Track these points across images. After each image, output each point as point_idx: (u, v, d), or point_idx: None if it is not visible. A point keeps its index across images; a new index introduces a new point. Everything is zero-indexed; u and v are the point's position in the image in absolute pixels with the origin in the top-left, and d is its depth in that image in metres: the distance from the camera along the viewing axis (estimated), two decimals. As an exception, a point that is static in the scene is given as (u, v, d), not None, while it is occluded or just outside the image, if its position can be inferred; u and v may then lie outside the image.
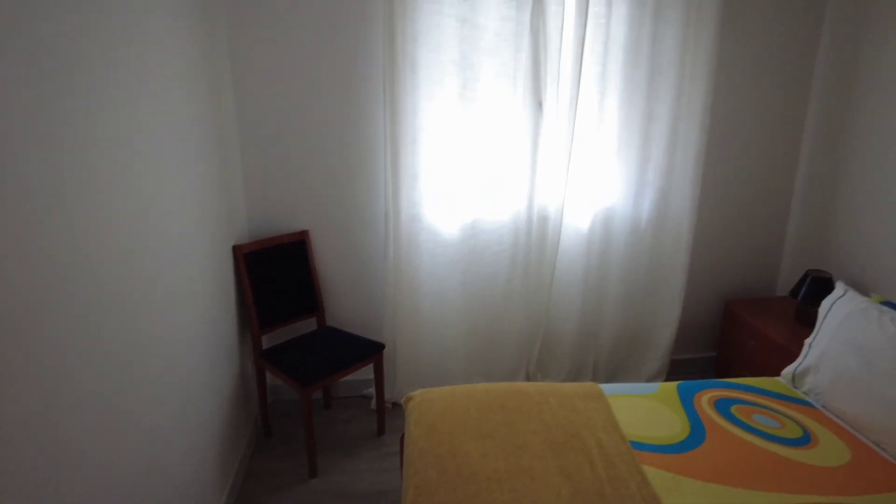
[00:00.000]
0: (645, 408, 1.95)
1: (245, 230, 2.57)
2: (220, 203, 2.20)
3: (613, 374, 2.98)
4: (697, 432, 1.82)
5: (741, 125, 2.80)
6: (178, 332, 1.73)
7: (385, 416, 2.64)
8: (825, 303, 2.09)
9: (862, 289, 2.45)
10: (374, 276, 2.76)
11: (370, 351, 2.45)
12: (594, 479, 1.60)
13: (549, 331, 2.87)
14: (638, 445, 1.75)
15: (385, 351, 2.54)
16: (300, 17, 2.40)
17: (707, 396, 2.01)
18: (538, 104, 2.51)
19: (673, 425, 1.85)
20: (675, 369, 3.02)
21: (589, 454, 1.70)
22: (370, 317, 2.82)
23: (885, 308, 1.90)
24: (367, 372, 2.75)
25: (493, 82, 2.48)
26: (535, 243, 2.70)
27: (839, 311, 1.99)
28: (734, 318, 2.80)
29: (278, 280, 2.54)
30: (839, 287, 2.08)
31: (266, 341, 2.51)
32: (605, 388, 2.07)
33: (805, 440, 1.78)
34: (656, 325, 2.91)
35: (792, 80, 2.77)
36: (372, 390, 2.80)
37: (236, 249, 2.38)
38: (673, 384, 2.09)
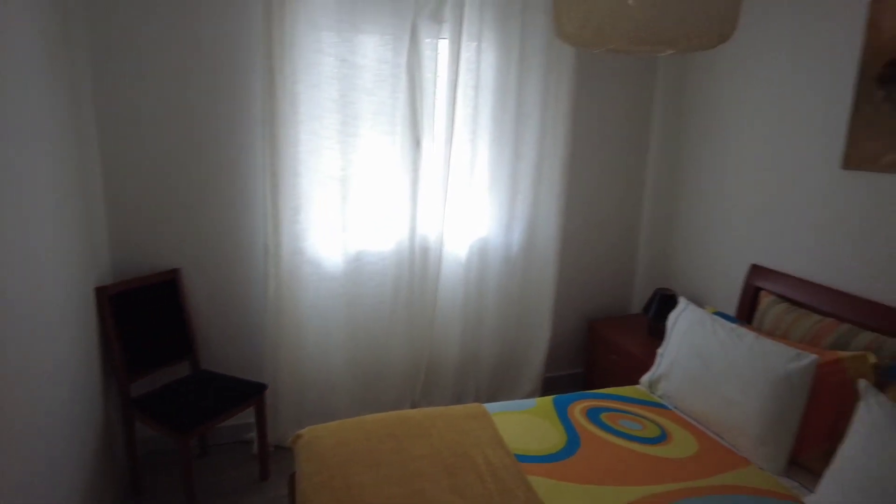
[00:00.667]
0: (526, 422, 2.08)
1: (109, 271, 2.39)
2: (78, 242, 2.03)
3: (494, 396, 3.12)
4: (573, 440, 1.98)
5: (596, 166, 3.15)
6: (27, 385, 1.55)
7: (269, 459, 2.54)
8: (671, 316, 2.39)
9: (699, 302, 2.84)
10: (252, 315, 2.68)
11: (251, 392, 2.36)
12: (485, 494, 1.68)
13: (432, 358, 2.96)
14: (522, 458, 1.87)
15: (267, 391, 2.46)
16: (172, 46, 2.34)
17: (580, 407, 2.20)
18: (416, 142, 2.64)
19: (551, 436, 2.00)
20: (548, 386, 3.23)
21: (478, 471, 1.78)
22: (249, 357, 2.72)
23: (717, 317, 2.23)
24: (246, 416, 2.64)
25: (373, 120, 2.58)
26: (417, 273, 2.79)
27: (682, 323, 2.30)
28: (597, 335, 3.09)
29: (147, 323, 2.38)
30: (682, 302, 2.40)
31: (136, 389, 2.33)
32: (489, 407, 2.19)
33: (662, 438, 2.01)
34: (530, 347, 3.11)
35: (635, 131, 3.18)
36: (253, 434, 2.68)
37: (99, 292, 2.20)
38: (549, 398, 2.26)
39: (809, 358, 1.84)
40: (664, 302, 2.81)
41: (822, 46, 2.28)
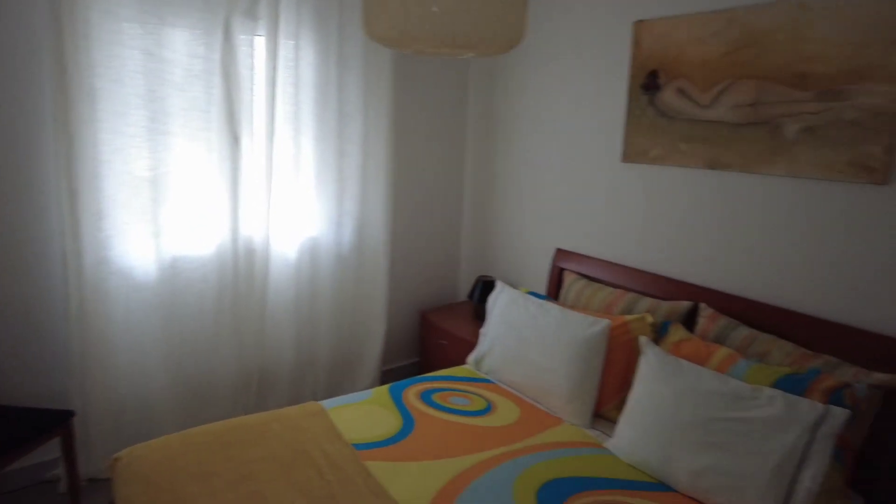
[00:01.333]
0: (363, 412, 2.14)
1: None
2: None
3: (332, 394, 3.12)
4: (408, 423, 2.08)
5: (420, 163, 3.31)
6: None
7: (81, 494, 2.28)
8: (490, 299, 2.61)
9: (514, 285, 3.13)
10: (52, 336, 2.38)
11: (52, 423, 2.09)
12: (324, 486, 1.71)
13: (265, 364, 2.88)
14: (360, 446, 1.92)
15: (75, 419, 2.21)
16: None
17: (413, 391, 2.31)
18: (235, 139, 2.55)
19: (388, 422, 2.08)
20: (387, 378, 3.32)
21: (317, 465, 1.80)
22: (51, 384, 2.41)
23: (529, 296, 2.48)
24: (49, 450, 2.34)
25: (185, 116, 2.44)
26: (242, 277, 2.70)
27: (500, 304, 2.52)
28: (429, 324, 3.24)
29: None
30: (498, 285, 2.63)
31: None
32: (325, 403, 2.20)
33: (488, 409, 2.20)
34: (366, 342, 3.18)
35: (453, 129, 3.41)
36: (59, 471, 2.39)
37: None
38: (385, 387, 2.34)
39: (603, 323, 2.15)
40: (485, 287, 3.05)
41: (602, 56, 2.66)
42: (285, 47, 2.63)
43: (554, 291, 2.86)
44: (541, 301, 2.40)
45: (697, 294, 2.32)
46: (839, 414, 1.58)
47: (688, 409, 1.75)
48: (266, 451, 1.86)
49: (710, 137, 2.24)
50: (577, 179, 2.83)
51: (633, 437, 1.86)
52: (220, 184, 2.56)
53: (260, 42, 2.56)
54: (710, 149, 2.25)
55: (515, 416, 2.17)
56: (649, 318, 2.17)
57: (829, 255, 1.99)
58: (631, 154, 2.56)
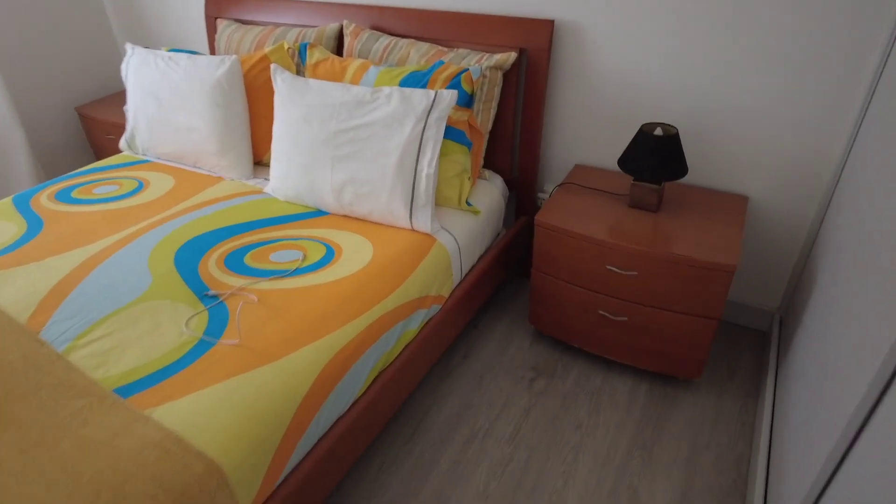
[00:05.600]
0: (-29, 230, 1.75)
1: None
2: None
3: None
4: (34, 227, 1.76)
5: None
6: None
7: None
8: (123, 68, 2.17)
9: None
10: None
11: None
12: None
13: None
14: (-37, 265, 1.59)
15: None
16: None
17: (46, 194, 1.94)
18: None
19: (5, 232, 1.74)
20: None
21: None
22: None
23: (160, 53, 2.08)
24: None
25: None
26: None
27: (132, 69, 2.10)
28: (91, 121, 2.72)
29: None
30: (129, 49, 2.17)
31: None
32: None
33: (139, 189, 1.94)
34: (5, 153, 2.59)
35: None
36: None
37: None
38: (7, 199, 1.93)
39: (229, 60, 1.89)
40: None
41: None
42: None
43: (213, 46, 2.49)
44: (171, 54, 2.03)
45: (344, 13, 2.13)
46: (446, 95, 1.60)
47: (317, 127, 1.67)
48: None
49: None
50: None
51: (282, 173, 1.77)
52: None
53: None
54: None
55: (169, 186, 1.95)
56: (285, 45, 1.96)
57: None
58: None
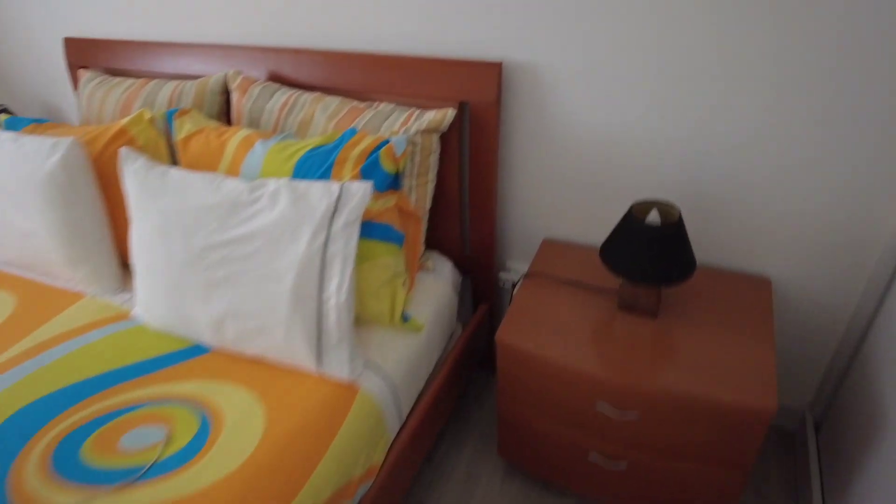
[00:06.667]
0: None
1: None
2: None
3: None
4: None
5: None
6: None
7: None
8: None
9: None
10: None
11: None
12: None
13: None
14: None
15: None
16: None
17: None
18: None
19: None
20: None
21: None
22: None
23: (-7, 127, 1.58)
24: None
25: None
26: None
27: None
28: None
29: None
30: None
31: None
32: None
33: (-45, 322, 1.43)
34: None
35: None
36: None
37: None
38: None
39: (65, 144, 1.38)
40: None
41: None
42: None
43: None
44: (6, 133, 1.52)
45: (234, 58, 1.64)
46: (356, 191, 1.13)
47: (178, 243, 1.19)
48: None
49: None
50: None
51: (146, 297, 1.29)
52: None
53: None
54: None
55: (8, 311, 1.45)
56: (147, 115, 1.46)
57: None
58: None
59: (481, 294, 1.67)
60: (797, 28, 1.10)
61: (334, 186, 1.14)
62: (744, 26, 1.13)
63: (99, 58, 1.88)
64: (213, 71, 1.68)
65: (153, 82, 1.67)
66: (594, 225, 1.51)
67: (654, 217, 1.20)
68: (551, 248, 1.54)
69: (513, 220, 1.61)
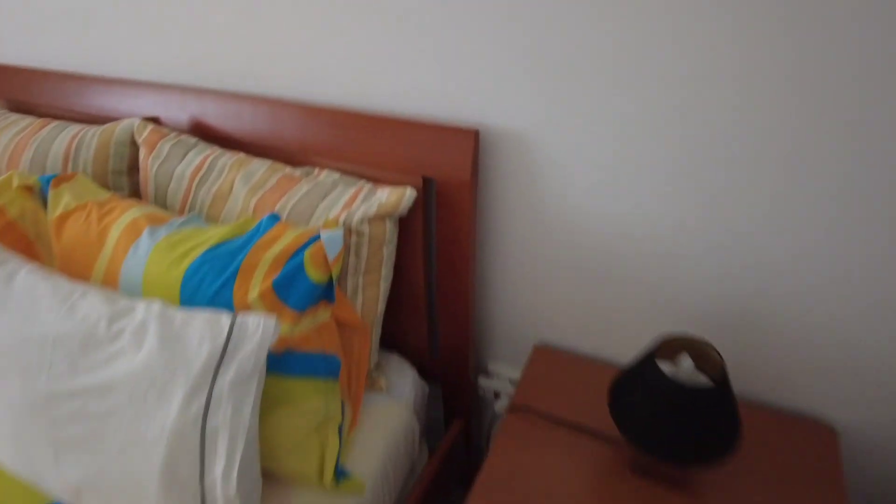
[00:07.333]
0: None
1: None
2: None
3: None
4: None
5: None
6: None
7: None
8: None
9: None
10: None
11: None
12: None
13: None
14: None
15: None
16: None
17: None
18: None
19: None
20: None
21: None
22: None
23: None
24: None
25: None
26: None
27: None
28: None
29: None
30: None
31: None
32: None
33: None
34: None
35: None
36: None
37: None
38: None
39: None
40: None
41: None
42: None
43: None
44: None
45: (150, 98, 1.30)
46: (254, 330, 0.78)
47: (17, 379, 0.85)
48: None
49: None
50: None
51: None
52: None
53: None
54: None
55: None
56: (15, 181, 1.11)
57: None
58: None
59: (454, 408, 1.32)
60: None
61: (224, 321, 0.80)
62: (819, 102, 0.77)
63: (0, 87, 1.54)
64: (131, 111, 1.34)
65: (53, 125, 1.33)
66: (597, 329, 1.16)
67: (686, 366, 0.84)
68: (545, 358, 1.18)
69: (495, 318, 1.26)
